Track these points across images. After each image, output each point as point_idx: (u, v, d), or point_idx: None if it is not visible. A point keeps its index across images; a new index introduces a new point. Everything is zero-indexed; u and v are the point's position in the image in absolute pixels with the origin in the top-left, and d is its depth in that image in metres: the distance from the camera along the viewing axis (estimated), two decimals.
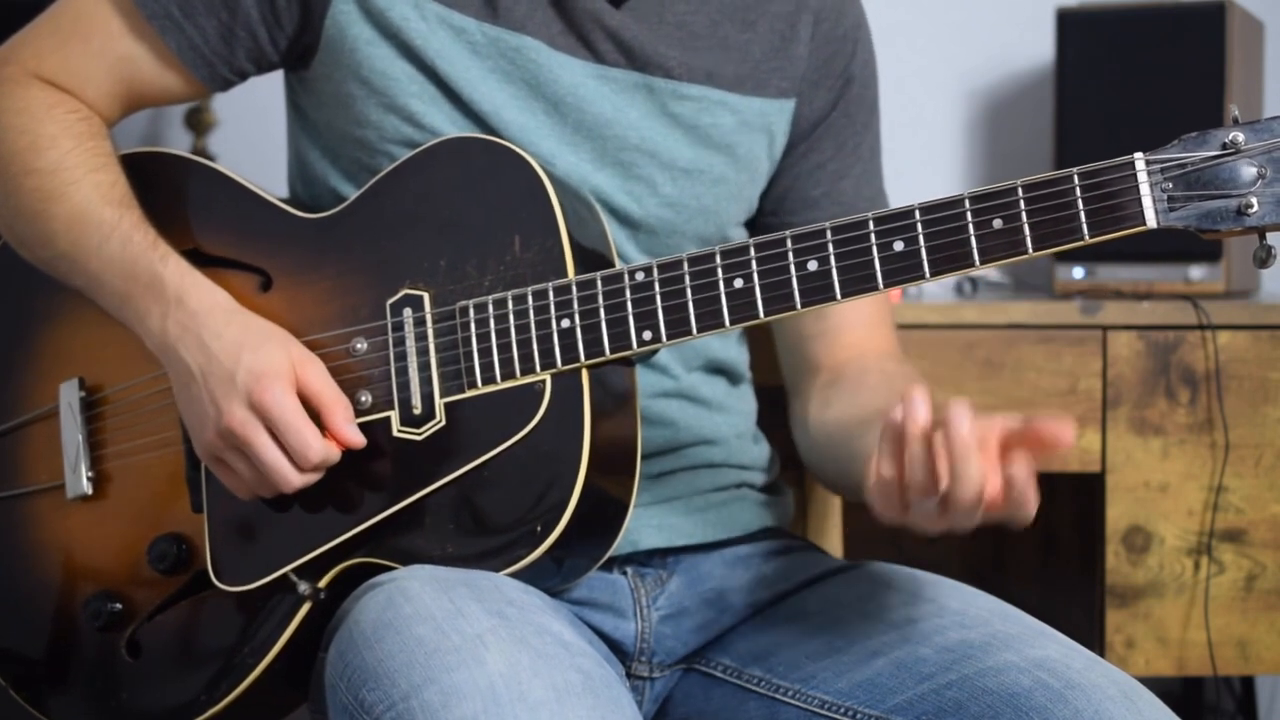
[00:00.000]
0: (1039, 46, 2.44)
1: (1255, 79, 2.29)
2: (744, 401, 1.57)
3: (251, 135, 2.29)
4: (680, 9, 1.45)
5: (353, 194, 1.42)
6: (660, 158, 1.44)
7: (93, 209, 1.39)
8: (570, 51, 1.41)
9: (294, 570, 1.36)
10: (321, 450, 1.31)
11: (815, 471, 1.56)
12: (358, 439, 1.33)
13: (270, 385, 1.30)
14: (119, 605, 1.43)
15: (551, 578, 1.35)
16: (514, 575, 1.31)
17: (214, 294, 1.36)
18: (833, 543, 1.82)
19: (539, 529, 1.29)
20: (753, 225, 1.56)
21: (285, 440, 1.30)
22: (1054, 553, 2.46)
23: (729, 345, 1.54)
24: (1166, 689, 2.37)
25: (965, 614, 1.34)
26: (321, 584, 1.36)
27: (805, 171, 1.53)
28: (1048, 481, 2.59)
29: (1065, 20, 2.20)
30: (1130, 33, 2.17)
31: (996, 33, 2.51)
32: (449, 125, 1.40)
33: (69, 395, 1.48)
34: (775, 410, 1.76)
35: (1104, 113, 2.17)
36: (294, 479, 1.31)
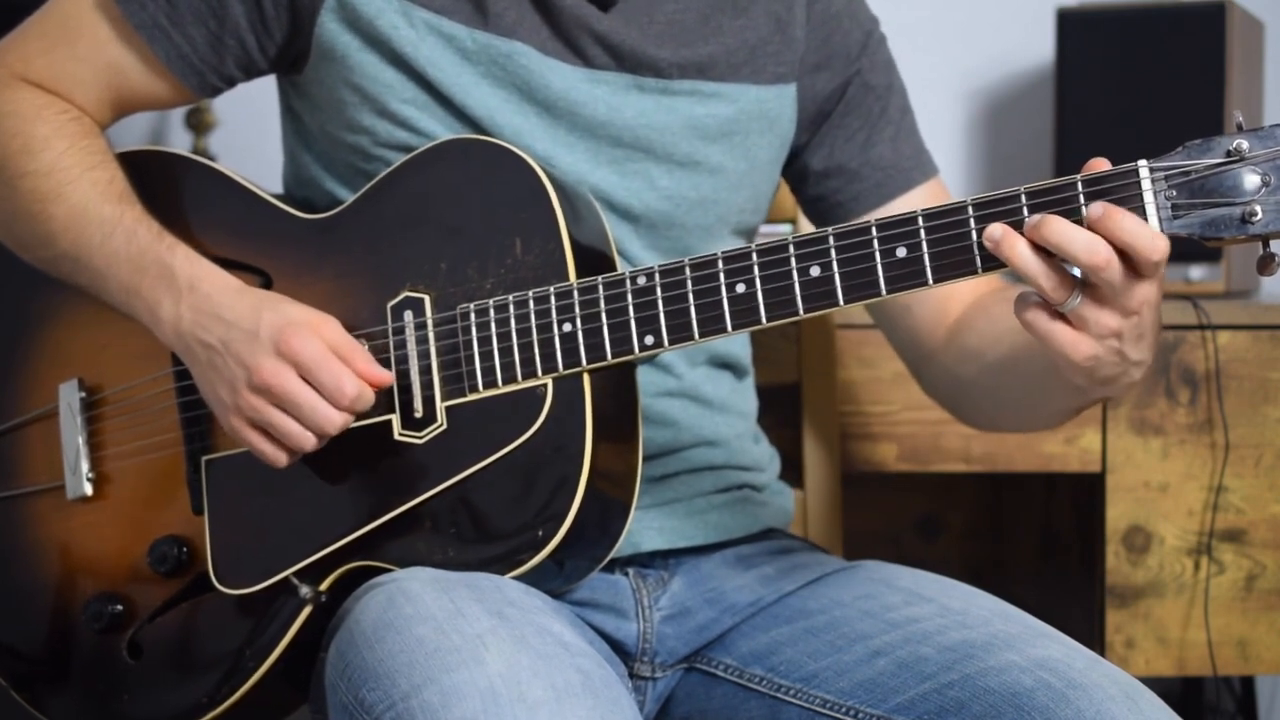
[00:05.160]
0: (1039, 46, 2.43)
1: (1255, 79, 2.28)
2: (746, 400, 1.57)
3: (251, 135, 2.28)
4: (670, 7, 1.44)
5: (348, 198, 1.42)
6: (655, 152, 1.44)
7: (92, 206, 1.39)
8: (559, 57, 1.41)
9: (295, 573, 1.36)
10: (355, 384, 1.30)
11: (991, 405, 1.50)
12: (386, 376, 1.33)
13: (296, 331, 1.30)
14: (120, 607, 1.44)
15: (553, 580, 1.35)
16: (515, 578, 1.31)
17: (224, 277, 1.36)
18: (833, 543, 1.83)
19: (540, 534, 1.29)
20: (809, 206, 1.56)
21: (318, 379, 1.30)
22: (1054, 553, 2.45)
23: (733, 339, 1.53)
24: (1166, 689, 2.37)
25: (967, 614, 1.34)
26: (323, 587, 1.36)
27: (838, 147, 1.53)
28: (1048, 481, 2.58)
29: (1065, 20, 2.20)
30: (1130, 33, 2.16)
31: (996, 33, 2.51)
32: (443, 130, 1.40)
33: (69, 396, 1.48)
34: (775, 410, 1.76)
35: (1104, 113, 2.17)
36: (334, 416, 1.31)
